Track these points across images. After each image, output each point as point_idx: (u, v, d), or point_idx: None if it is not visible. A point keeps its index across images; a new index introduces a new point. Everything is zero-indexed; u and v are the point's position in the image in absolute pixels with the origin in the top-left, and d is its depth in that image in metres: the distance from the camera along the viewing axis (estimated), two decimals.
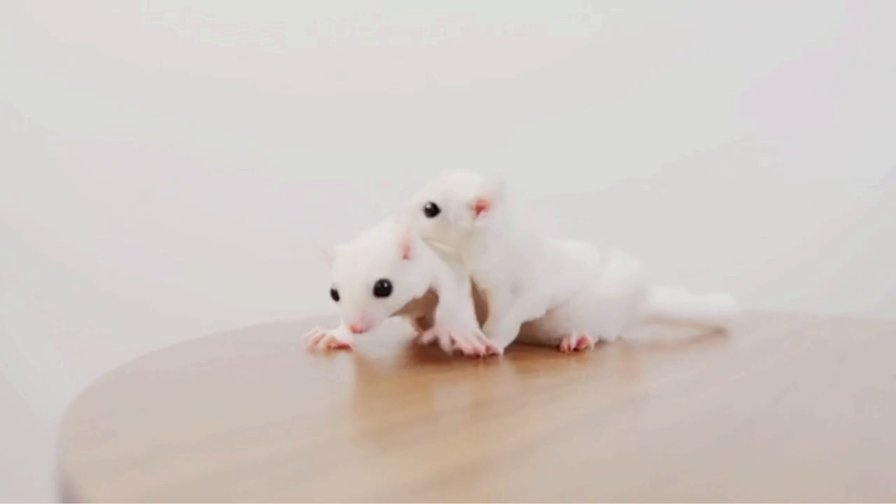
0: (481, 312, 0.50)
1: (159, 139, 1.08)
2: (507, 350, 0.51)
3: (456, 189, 0.49)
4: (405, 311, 0.49)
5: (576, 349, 0.52)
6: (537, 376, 0.46)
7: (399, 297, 0.45)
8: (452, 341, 0.47)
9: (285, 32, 1.11)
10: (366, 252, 0.45)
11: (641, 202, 1.13)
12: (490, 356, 0.48)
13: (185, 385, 0.42)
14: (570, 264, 0.53)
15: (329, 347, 0.50)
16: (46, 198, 1.08)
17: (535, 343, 0.53)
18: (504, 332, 0.50)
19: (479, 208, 0.48)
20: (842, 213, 1.13)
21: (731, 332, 0.62)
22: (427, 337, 0.48)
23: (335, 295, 0.45)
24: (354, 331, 0.45)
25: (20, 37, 1.08)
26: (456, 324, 0.47)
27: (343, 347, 0.50)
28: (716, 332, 0.61)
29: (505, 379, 0.46)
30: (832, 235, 1.13)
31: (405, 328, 0.57)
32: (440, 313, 0.47)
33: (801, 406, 0.41)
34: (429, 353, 0.49)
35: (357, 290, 0.44)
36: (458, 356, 0.48)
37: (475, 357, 0.47)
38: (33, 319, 1.09)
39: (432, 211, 0.48)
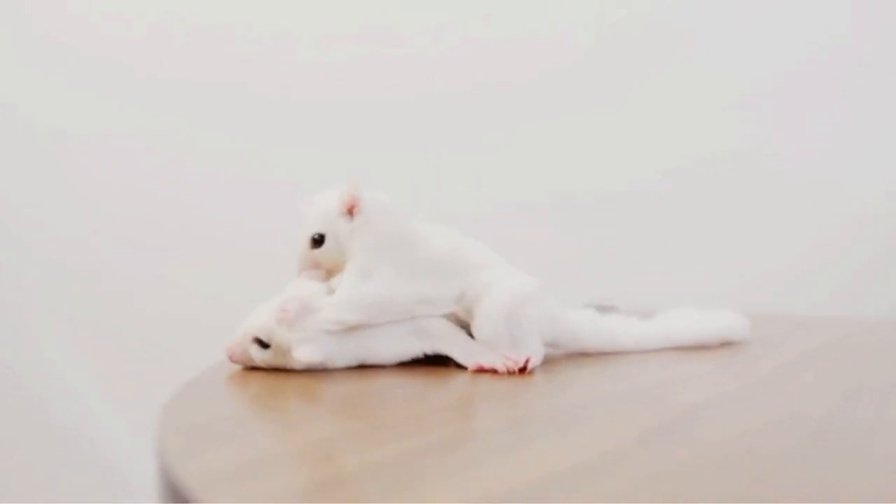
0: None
1: (208, 160, 1.10)
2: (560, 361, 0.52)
3: (322, 210, 0.51)
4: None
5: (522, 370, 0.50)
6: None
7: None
8: None
9: (287, 40, 1.12)
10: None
11: (650, 207, 1.14)
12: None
13: (266, 395, 0.43)
14: (434, 279, 0.51)
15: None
16: (82, 212, 1.09)
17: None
18: (337, 307, 0.49)
19: (350, 210, 0.51)
20: (856, 215, 1.13)
21: (775, 339, 0.62)
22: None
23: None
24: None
25: (31, 45, 1.10)
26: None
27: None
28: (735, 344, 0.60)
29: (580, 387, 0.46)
30: (847, 238, 1.12)
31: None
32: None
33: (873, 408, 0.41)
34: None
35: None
36: None
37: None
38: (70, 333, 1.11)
39: (319, 240, 0.51)
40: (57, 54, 1.10)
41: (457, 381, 0.47)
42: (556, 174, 1.14)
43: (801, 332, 0.68)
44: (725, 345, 0.59)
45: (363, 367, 0.48)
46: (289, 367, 0.48)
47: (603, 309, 0.88)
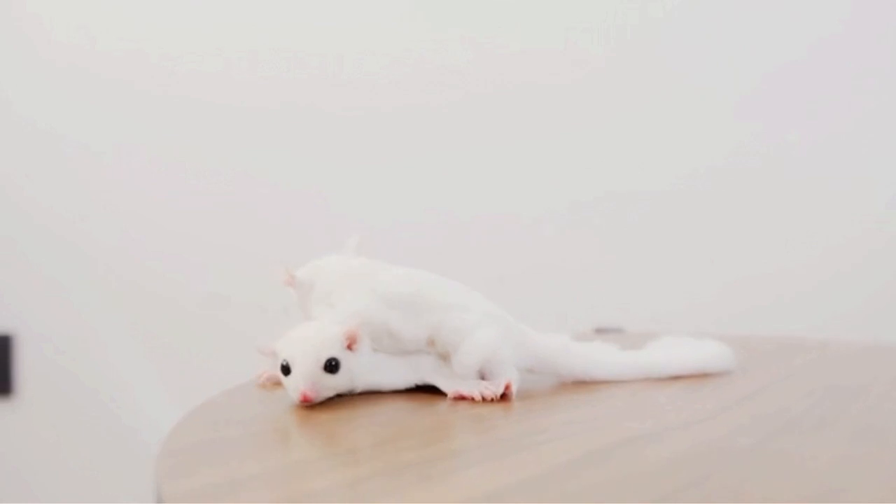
0: None
1: (246, 174, 1.19)
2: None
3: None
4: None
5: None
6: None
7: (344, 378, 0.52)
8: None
9: (307, 52, 1.19)
10: (314, 335, 0.52)
11: (647, 217, 1.17)
12: None
13: (262, 419, 0.49)
14: (400, 315, 0.55)
15: (269, 384, 0.58)
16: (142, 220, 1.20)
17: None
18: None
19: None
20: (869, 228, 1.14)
21: (750, 366, 0.66)
22: None
23: (286, 370, 0.52)
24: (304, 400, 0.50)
25: (54, 65, 1.20)
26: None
27: (279, 384, 0.56)
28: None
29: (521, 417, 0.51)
30: (862, 251, 1.13)
31: None
32: None
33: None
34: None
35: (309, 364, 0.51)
36: None
37: None
38: (134, 340, 1.21)
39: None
40: (82, 75, 1.21)
41: (434, 408, 0.53)
42: (561, 183, 1.18)
43: (780, 357, 0.72)
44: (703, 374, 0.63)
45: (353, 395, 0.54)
46: (353, 391, 0.53)
47: (607, 331, 0.93)
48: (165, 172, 1.22)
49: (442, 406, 0.53)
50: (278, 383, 0.58)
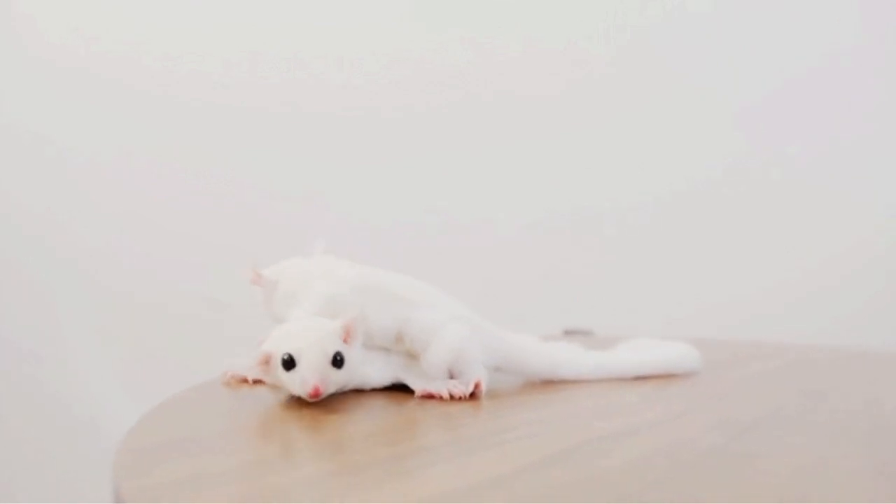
0: None
1: (223, 173, 1.18)
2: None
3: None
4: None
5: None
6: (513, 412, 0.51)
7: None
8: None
9: (302, 55, 1.18)
10: (316, 328, 0.51)
11: (642, 226, 1.17)
12: None
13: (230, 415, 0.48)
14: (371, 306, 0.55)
15: (237, 381, 0.57)
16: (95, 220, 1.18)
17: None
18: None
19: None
20: (859, 237, 1.14)
21: (719, 366, 0.67)
22: None
23: (288, 364, 0.50)
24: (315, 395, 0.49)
25: (47, 69, 1.18)
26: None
27: (245, 382, 0.56)
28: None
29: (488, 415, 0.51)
30: (850, 261, 1.14)
31: None
32: None
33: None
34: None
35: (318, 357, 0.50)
36: None
37: None
38: (94, 338, 1.18)
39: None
40: (73, 76, 1.19)
41: (403, 407, 0.52)
42: (544, 193, 1.18)
43: (746, 359, 0.72)
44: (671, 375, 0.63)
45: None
46: (345, 388, 0.52)
47: (575, 333, 0.93)
48: (158, 174, 1.20)
49: (410, 404, 0.53)
50: (244, 381, 0.57)
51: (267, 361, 0.50)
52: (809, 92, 1.14)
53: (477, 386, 0.54)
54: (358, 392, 0.54)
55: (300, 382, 0.49)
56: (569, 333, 0.93)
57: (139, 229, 1.21)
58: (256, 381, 0.57)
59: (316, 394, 0.49)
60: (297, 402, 0.51)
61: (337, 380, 0.51)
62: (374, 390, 0.55)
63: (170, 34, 1.19)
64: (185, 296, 1.19)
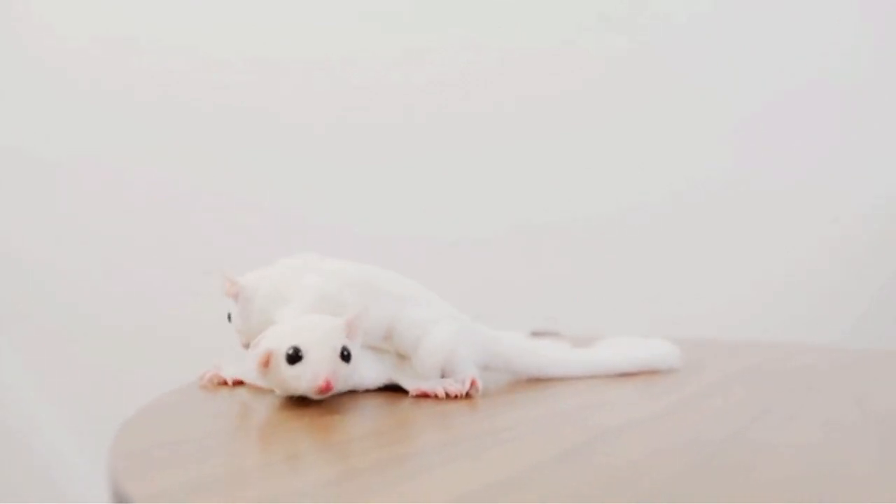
0: None
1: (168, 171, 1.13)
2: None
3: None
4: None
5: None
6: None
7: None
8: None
9: (293, 61, 1.15)
10: (321, 323, 0.49)
11: (620, 234, 1.17)
12: None
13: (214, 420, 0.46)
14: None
15: (215, 384, 0.55)
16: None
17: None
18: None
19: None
20: (836, 239, 1.14)
21: (703, 364, 0.67)
22: None
23: (293, 359, 0.47)
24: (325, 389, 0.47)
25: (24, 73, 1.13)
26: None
27: (225, 384, 0.55)
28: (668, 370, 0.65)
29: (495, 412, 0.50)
30: (818, 263, 1.14)
31: None
32: None
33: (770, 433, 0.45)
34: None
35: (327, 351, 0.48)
36: None
37: None
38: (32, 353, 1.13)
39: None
40: (48, 82, 1.13)
41: (397, 407, 0.51)
42: (544, 194, 1.17)
43: (729, 357, 0.73)
44: (653, 372, 0.63)
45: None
46: (353, 387, 0.51)
47: (541, 334, 0.92)
48: (140, 177, 1.15)
49: (405, 404, 0.51)
50: (224, 383, 0.55)
51: (267, 361, 0.48)
52: (809, 95, 1.14)
53: (473, 384, 0.53)
54: (352, 393, 0.53)
55: (310, 377, 0.47)
56: (536, 335, 0.93)
57: (108, 238, 1.15)
58: (237, 383, 0.56)
59: (327, 388, 0.47)
60: (290, 404, 0.49)
61: (345, 375, 0.49)
62: (368, 391, 0.54)
63: (161, 37, 1.15)
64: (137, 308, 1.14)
